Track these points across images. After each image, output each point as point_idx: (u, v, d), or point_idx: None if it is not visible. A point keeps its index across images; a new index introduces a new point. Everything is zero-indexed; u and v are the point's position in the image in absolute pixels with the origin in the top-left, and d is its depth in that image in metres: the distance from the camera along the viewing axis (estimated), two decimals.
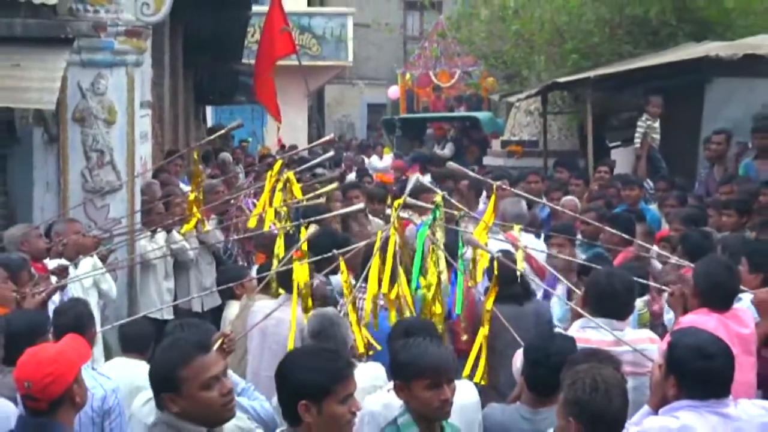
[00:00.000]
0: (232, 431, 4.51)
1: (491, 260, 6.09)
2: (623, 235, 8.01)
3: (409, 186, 7.92)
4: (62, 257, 8.19)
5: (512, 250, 6.60)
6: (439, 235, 6.05)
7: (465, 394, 4.90)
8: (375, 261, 5.94)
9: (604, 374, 4.03)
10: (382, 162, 22.97)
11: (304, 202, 8.29)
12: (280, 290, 6.68)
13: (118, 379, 5.97)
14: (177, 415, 3.84)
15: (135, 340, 6.73)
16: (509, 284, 6.28)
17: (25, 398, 4.22)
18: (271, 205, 7.97)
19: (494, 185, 7.18)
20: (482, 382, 5.78)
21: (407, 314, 5.92)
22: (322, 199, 8.43)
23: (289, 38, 16.89)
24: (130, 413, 5.36)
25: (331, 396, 3.91)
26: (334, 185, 9.36)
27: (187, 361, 3.83)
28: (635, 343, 5.39)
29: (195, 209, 8.55)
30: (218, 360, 3.93)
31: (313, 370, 3.97)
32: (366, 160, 23.61)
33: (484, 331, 5.89)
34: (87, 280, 8.09)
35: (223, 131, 11.66)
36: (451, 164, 9.54)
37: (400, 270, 5.96)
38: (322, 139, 13.13)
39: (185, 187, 11.35)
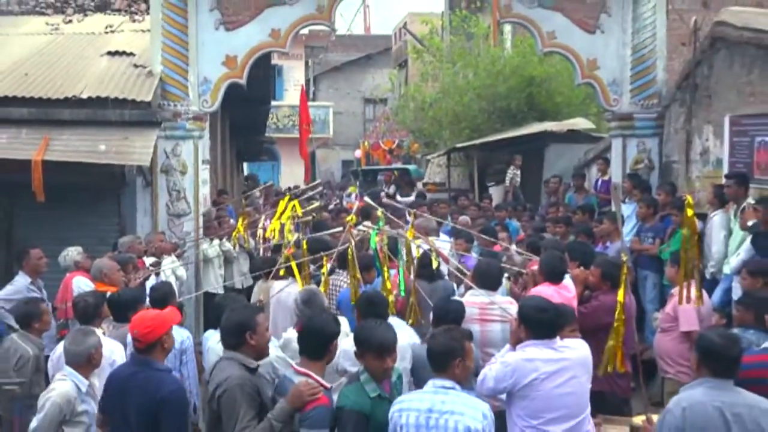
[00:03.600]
0: (273, 360, 4.52)
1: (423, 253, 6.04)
2: (491, 239, 8.07)
3: (354, 209, 7.97)
4: (153, 256, 8.15)
5: (430, 247, 6.61)
6: (384, 239, 6.02)
7: (407, 337, 4.82)
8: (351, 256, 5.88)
9: (450, 330, 4.02)
10: (348, 198, 22.89)
11: (302, 216, 8.61)
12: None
13: None
14: (242, 352, 3.84)
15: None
16: (426, 266, 6.17)
17: (134, 340, 4.24)
18: (279, 219, 8.10)
19: (413, 212, 7.16)
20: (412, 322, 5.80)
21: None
22: (310, 217, 8.89)
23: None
24: (208, 347, 5.19)
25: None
26: (319, 204, 9.56)
27: (256, 315, 3.99)
28: (501, 304, 5.39)
29: (241, 230, 9.24)
30: (267, 318, 4.08)
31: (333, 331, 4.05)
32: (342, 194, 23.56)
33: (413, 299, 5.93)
34: (168, 269, 8.05)
35: (262, 186, 13.62)
36: (387, 200, 9.72)
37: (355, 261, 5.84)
38: (313, 183, 13.54)
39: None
